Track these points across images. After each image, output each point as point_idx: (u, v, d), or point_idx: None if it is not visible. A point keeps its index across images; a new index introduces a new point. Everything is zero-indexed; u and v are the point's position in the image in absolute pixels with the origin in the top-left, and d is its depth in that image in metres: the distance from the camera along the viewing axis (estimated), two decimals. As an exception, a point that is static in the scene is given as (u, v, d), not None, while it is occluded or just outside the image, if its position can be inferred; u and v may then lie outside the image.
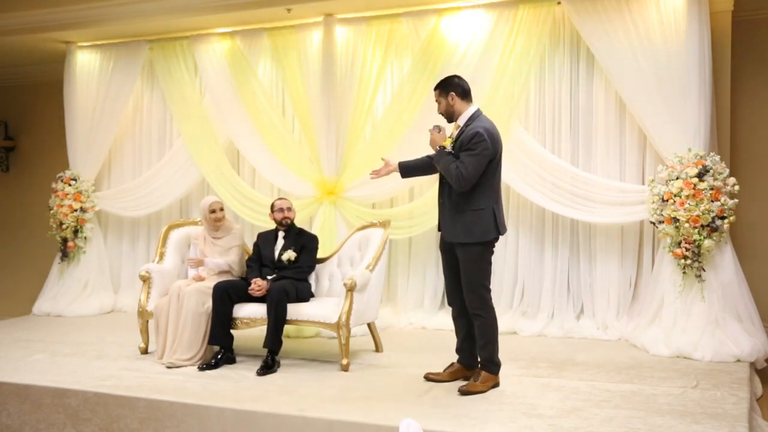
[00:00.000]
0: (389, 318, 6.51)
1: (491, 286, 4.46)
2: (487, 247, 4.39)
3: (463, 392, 4.35)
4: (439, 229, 4.55)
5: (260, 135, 6.94)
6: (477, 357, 4.57)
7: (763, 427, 4.20)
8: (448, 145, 4.37)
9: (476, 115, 4.40)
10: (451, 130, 4.50)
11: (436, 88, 4.52)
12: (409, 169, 4.72)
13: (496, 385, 4.47)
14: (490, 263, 4.42)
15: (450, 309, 4.71)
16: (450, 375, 4.64)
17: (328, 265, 5.76)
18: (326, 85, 6.58)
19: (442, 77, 4.61)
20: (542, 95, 6.35)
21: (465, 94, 4.44)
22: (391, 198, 6.73)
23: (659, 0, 5.65)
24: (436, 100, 4.51)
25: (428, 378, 4.65)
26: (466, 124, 4.37)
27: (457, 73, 6.09)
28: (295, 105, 6.89)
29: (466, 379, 4.58)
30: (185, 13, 6.71)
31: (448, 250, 4.52)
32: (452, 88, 4.43)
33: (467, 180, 4.22)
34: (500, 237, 4.44)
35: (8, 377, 4.79)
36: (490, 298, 4.44)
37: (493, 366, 4.45)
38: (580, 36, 6.01)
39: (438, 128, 4.46)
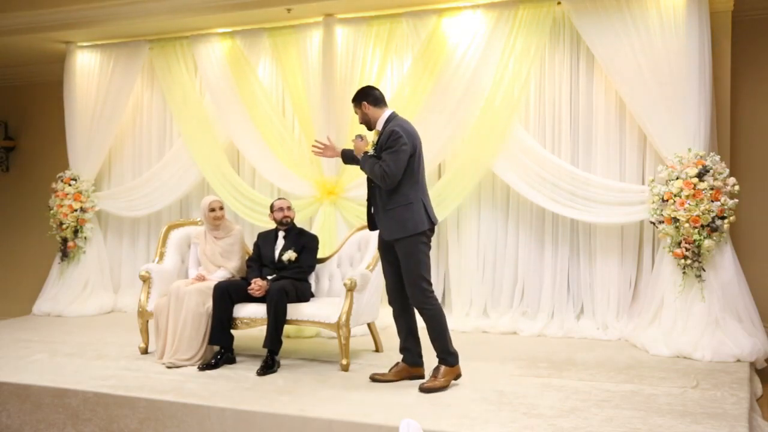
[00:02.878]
0: (389, 318, 6.47)
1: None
2: (422, 239, 4.51)
3: (424, 390, 4.40)
4: (371, 229, 4.73)
5: (260, 135, 6.93)
6: (421, 355, 4.72)
7: (763, 427, 4.20)
8: (370, 149, 4.57)
9: (391, 117, 4.61)
10: (372, 137, 4.67)
11: (352, 101, 4.73)
12: (348, 158, 4.85)
13: (458, 376, 4.53)
14: (427, 256, 4.55)
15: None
16: (395, 374, 4.70)
17: (328, 265, 5.76)
18: (326, 85, 6.58)
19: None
20: (542, 95, 6.35)
21: (377, 101, 4.63)
22: (391, 198, 6.73)
23: (659, 0, 5.65)
24: (355, 112, 4.74)
25: (374, 378, 4.70)
26: (383, 127, 4.57)
27: (457, 74, 6.21)
28: (295, 105, 6.89)
29: (411, 377, 4.65)
30: (185, 13, 6.71)
31: (387, 249, 4.65)
32: (363, 97, 4.64)
33: (391, 176, 4.40)
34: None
35: (8, 377, 4.80)
36: (432, 291, 4.54)
37: (450, 356, 4.51)
38: (580, 36, 6.01)
39: (360, 137, 4.68)
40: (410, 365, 4.72)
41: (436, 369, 4.50)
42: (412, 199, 4.48)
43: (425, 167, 4.70)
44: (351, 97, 6.41)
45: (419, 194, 4.52)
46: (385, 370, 4.76)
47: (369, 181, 4.64)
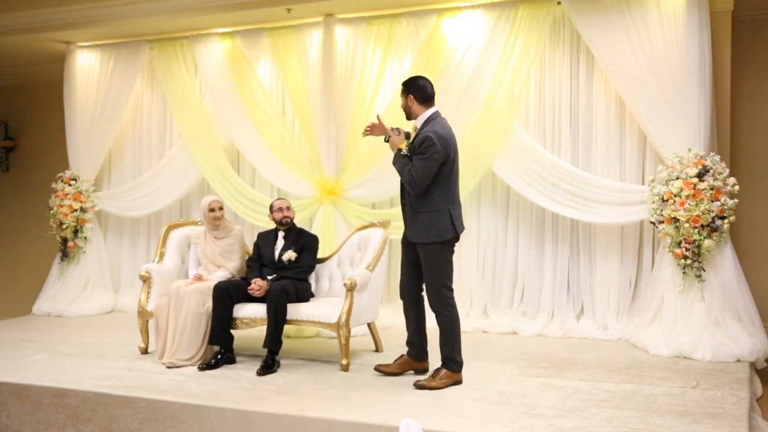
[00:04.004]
0: (389, 318, 6.50)
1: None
2: (445, 246, 4.50)
3: (418, 386, 4.46)
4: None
5: (260, 135, 6.93)
6: (425, 350, 4.77)
7: (763, 427, 4.20)
8: (404, 147, 4.50)
9: (432, 118, 4.50)
10: (410, 129, 4.63)
11: (402, 84, 4.61)
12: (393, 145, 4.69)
13: (458, 382, 4.55)
14: (450, 262, 4.53)
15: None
16: (399, 367, 4.78)
17: (328, 265, 5.76)
18: (326, 85, 6.58)
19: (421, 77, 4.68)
20: (542, 95, 6.35)
21: (425, 98, 4.53)
22: (391, 198, 6.70)
23: (659, 0, 5.65)
24: (400, 96, 4.61)
25: (378, 369, 4.80)
26: (422, 127, 4.49)
27: (457, 74, 6.20)
28: (295, 105, 6.89)
29: (415, 371, 4.73)
30: (185, 13, 6.71)
31: (409, 245, 4.66)
32: (413, 90, 4.53)
33: (418, 183, 4.37)
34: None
35: (8, 377, 4.80)
36: (452, 297, 4.55)
37: (453, 364, 4.54)
38: (580, 36, 6.01)
39: (398, 131, 4.59)
40: (414, 359, 4.79)
41: (437, 370, 4.55)
42: (439, 206, 4.44)
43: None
44: (350, 96, 6.54)
45: (446, 202, 4.46)
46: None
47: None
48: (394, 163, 4.55)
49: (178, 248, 5.92)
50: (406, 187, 4.47)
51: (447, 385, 4.49)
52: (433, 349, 4.75)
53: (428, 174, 4.36)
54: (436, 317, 4.55)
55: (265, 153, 6.94)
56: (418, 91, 4.52)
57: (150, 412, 4.31)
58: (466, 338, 5.86)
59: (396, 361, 4.82)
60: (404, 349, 4.91)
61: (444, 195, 4.45)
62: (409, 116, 4.58)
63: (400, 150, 4.51)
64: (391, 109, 6.47)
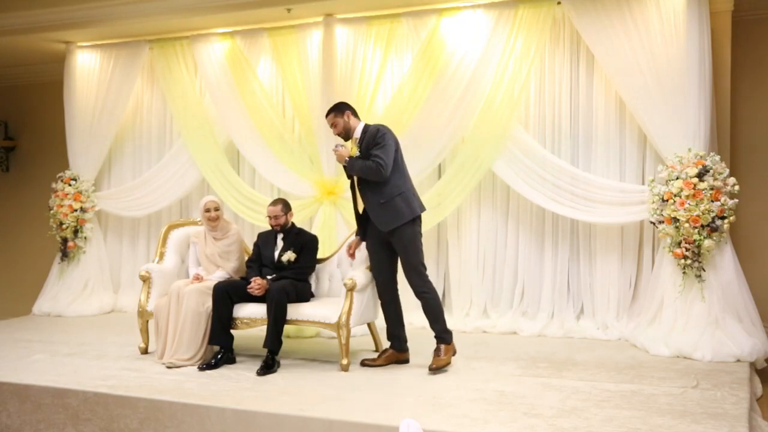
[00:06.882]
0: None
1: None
2: (418, 222, 4.95)
3: (434, 370, 4.77)
4: (362, 239, 5.14)
5: (260, 135, 6.93)
6: (406, 340, 5.14)
7: (763, 427, 4.20)
8: (355, 153, 4.93)
9: (367, 126, 5.01)
10: (349, 146, 5.04)
11: (329, 113, 5.07)
12: (364, 231, 5.13)
13: (455, 352, 4.96)
14: (421, 241, 4.97)
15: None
16: (385, 360, 5.09)
17: (328, 265, 5.76)
18: (326, 85, 6.58)
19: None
20: (542, 95, 6.35)
21: (355, 112, 5.10)
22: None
23: (659, 0, 5.65)
24: (333, 123, 5.05)
25: (364, 364, 5.07)
26: (363, 134, 4.97)
27: (457, 74, 6.23)
28: (295, 105, 6.89)
29: (399, 362, 5.06)
30: (185, 13, 6.71)
31: (382, 244, 5.01)
32: (346, 107, 5.06)
33: (386, 168, 4.80)
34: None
35: (8, 377, 4.80)
36: (427, 274, 4.96)
37: (446, 335, 4.93)
38: (580, 36, 6.01)
39: (341, 145, 5.03)
40: (398, 351, 5.12)
41: (437, 349, 4.89)
42: (403, 188, 4.90)
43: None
44: (350, 96, 6.52)
45: (407, 183, 4.97)
46: (400, 370, 4.98)
47: (353, 186, 4.98)
48: (350, 169, 4.94)
49: (178, 248, 5.92)
50: (374, 178, 4.80)
51: (450, 357, 4.88)
52: (413, 337, 5.22)
53: (390, 158, 4.82)
54: (421, 299, 4.92)
55: (265, 153, 6.94)
56: (349, 108, 5.05)
57: (150, 412, 4.31)
58: (466, 338, 5.92)
59: (381, 355, 5.12)
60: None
61: (402, 179, 4.93)
62: (348, 134, 5.02)
63: (351, 157, 4.91)
64: (391, 110, 6.49)
